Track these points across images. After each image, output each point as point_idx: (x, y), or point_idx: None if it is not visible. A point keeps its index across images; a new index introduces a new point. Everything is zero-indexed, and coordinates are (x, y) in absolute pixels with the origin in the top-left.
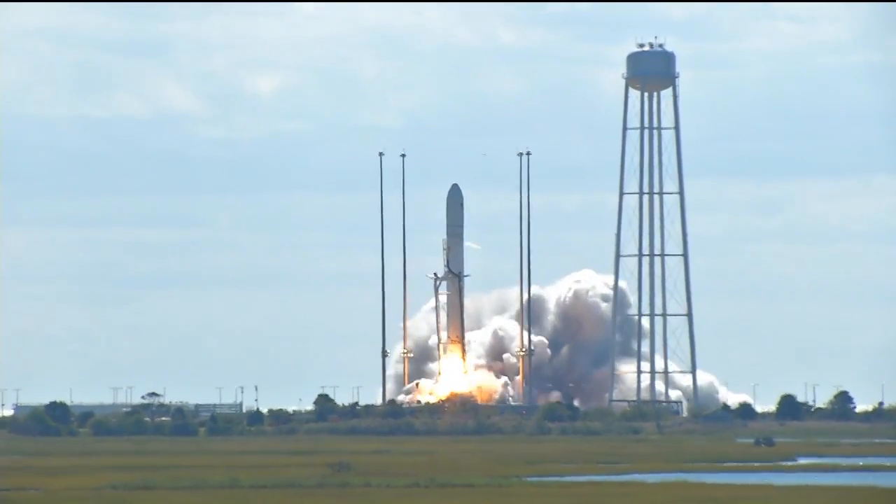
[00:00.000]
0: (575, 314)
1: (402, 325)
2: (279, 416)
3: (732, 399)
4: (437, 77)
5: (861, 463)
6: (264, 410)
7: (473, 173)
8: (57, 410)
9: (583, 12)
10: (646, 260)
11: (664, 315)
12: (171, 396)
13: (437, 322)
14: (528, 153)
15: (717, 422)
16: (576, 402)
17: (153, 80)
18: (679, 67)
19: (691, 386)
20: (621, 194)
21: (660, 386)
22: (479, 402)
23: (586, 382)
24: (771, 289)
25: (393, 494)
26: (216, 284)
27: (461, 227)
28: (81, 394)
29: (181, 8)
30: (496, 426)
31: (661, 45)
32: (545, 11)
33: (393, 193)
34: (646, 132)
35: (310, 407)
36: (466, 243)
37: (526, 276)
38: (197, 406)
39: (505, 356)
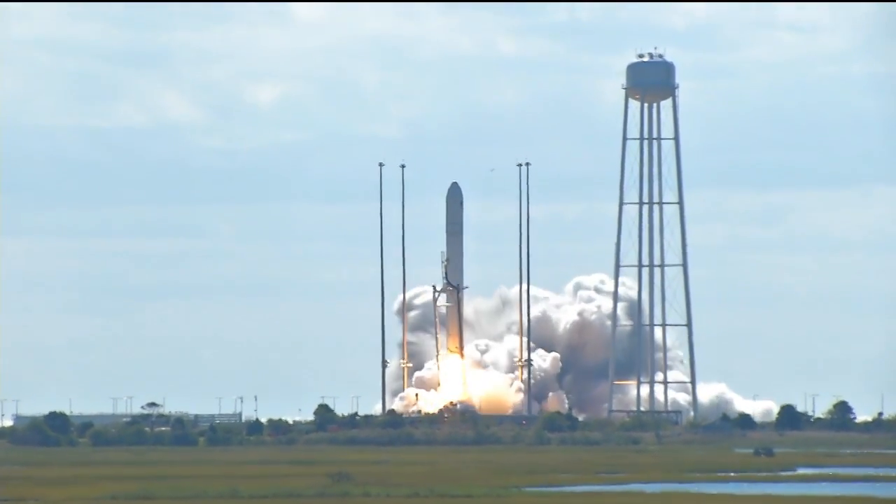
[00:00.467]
0: (581, 342)
1: (401, 335)
2: (279, 427)
3: (752, 408)
4: (437, 87)
5: (866, 473)
6: (264, 420)
7: (473, 183)
8: (56, 421)
9: (583, 22)
10: (645, 270)
11: (663, 325)
12: (171, 406)
13: (437, 333)
14: (528, 164)
15: (716, 432)
16: (579, 416)
17: (154, 90)
18: (679, 78)
19: (701, 396)
20: (621, 204)
21: (672, 395)
22: (481, 411)
23: (588, 395)
24: (770, 299)
25: None
26: (216, 294)
27: (460, 225)
28: (81, 404)
29: (182, 18)
30: (495, 436)
31: (660, 56)
32: (545, 21)
33: (393, 204)
34: (645, 142)
35: (309, 417)
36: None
37: (525, 287)
38: (196, 416)
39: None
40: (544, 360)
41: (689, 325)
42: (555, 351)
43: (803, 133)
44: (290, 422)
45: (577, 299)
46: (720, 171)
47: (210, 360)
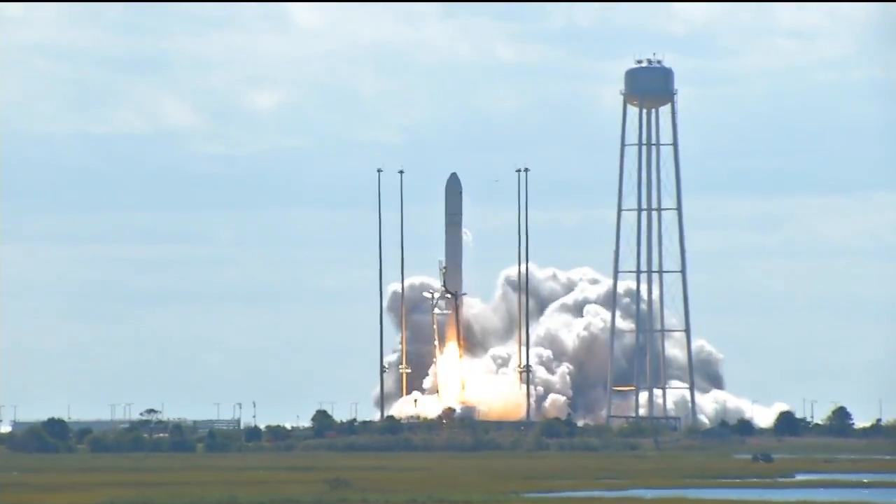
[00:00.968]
0: (588, 358)
1: (400, 340)
2: (277, 433)
3: (766, 414)
4: (436, 93)
5: (866, 480)
6: (262, 426)
7: (472, 189)
8: (55, 427)
9: (581, 28)
10: (644, 276)
11: (662, 331)
12: (169, 413)
13: (436, 339)
14: (527, 170)
15: (714, 438)
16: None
17: (152, 96)
18: (677, 83)
19: (714, 403)
20: (619, 210)
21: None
22: (492, 417)
23: (591, 401)
24: (769, 305)
25: None
26: (214, 300)
27: (459, 215)
28: (79, 410)
29: (181, 24)
30: (494, 442)
31: (659, 62)
32: (544, 27)
33: (391, 210)
34: (644, 148)
35: (307, 423)
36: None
37: (525, 288)
38: (195, 422)
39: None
40: (555, 373)
41: (687, 330)
42: (566, 363)
43: (802, 139)
44: (289, 428)
45: (583, 313)
46: (719, 177)
47: (208, 367)
